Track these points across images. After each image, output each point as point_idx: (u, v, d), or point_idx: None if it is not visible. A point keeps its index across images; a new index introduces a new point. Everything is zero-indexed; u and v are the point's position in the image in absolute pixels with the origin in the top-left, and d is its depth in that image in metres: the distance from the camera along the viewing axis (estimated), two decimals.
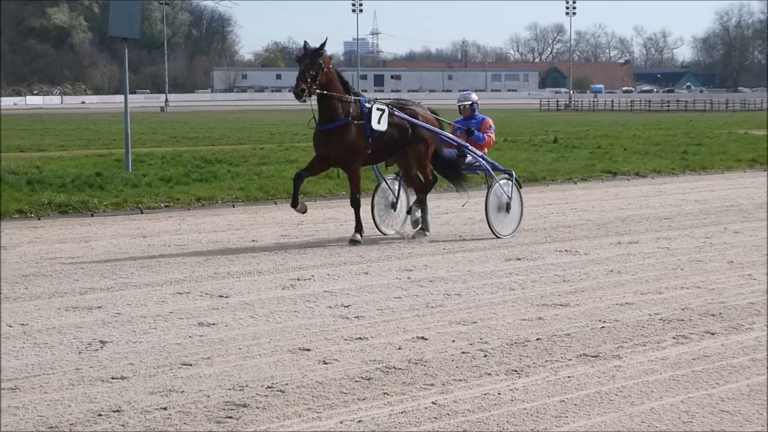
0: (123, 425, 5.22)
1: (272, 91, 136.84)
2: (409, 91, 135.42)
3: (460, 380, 6.05)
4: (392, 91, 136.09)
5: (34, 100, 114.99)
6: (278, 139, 33.94)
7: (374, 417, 5.38)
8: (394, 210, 12.53)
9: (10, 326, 7.37)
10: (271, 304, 8.23)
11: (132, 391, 5.79)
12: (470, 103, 12.88)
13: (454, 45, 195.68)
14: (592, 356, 6.62)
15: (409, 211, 12.31)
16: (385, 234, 12.21)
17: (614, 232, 12.56)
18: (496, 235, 12.01)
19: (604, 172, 20.94)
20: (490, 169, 12.49)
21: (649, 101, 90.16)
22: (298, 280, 9.30)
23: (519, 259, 10.53)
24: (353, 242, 11.51)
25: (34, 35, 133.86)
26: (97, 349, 6.73)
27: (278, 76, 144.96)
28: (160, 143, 31.90)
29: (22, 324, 7.45)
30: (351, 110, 11.56)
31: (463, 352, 6.70)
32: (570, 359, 6.55)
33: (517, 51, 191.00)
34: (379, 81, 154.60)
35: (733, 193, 17.61)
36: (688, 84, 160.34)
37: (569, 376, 6.15)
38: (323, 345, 6.88)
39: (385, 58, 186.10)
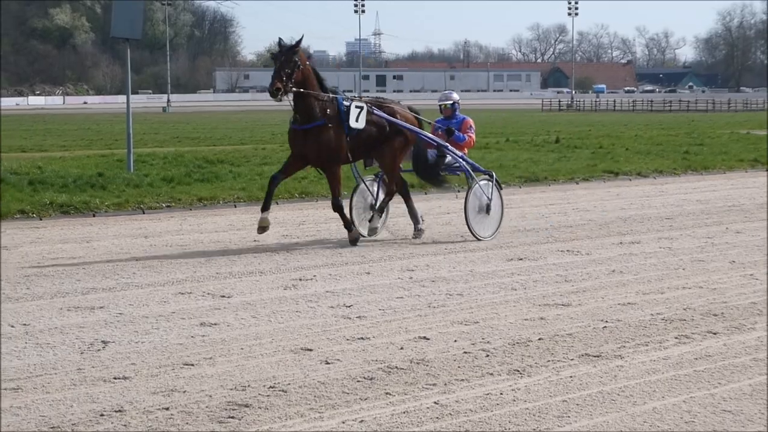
0: (125, 425, 5.22)
1: None
2: (411, 91, 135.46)
3: (462, 380, 6.05)
4: (394, 91, 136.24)
5: (36, 101, 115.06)
6: (280, 140, 33.90)
7: (376, 417, 5.38)
8: (372, 212, 12.14)
9: (13, 326, 7.37)
10: (273, 304, 8.23)
11: (134, 391, 5.79)
12: (451, 102, 12.71)
13: (456, 45, 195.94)
14: (594, 356, 6.62)
15: (370, 220, 11.88)
16: (363, 236, 11.84)
17: (616, 232, 12.56)
18: (476, 237, 11.78)
19: (606, 172, 20.93)
20: (470, 169, 12.28)
21: (651, 101, 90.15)
22: (300, 280, 9.30)
23: (521, 259, 10.52)
24: (353, 241, 11.48)
25: (37, 36, 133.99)
26: (99, 349, 6.73)
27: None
28: (161, 143, 31.93)
29: (24, 324, 7.45)
30: (328, 109, 11.32)
31: (465, 352, 6.70)
32: (572, 359, 6.55)
33: (520, 51, 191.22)
34: (381, 81, 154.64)
35: (735, 193, 17.60)
36: (691, 84, 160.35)
37: (571, 376, 6.14)
38: (325, 345, 6.88)
39: (387, 58, 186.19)
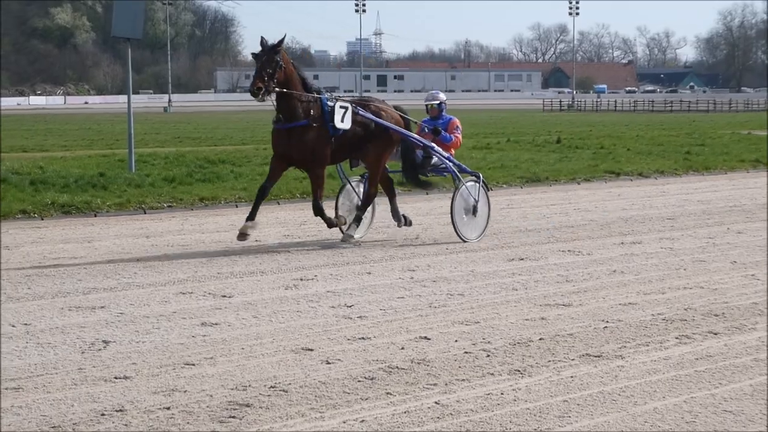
0: (126, 425, 5.23)
1: None
2: (412, 91, 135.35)
3: (463, 380, 6.06)
4: (395, 91, 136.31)
5: (37, 101, 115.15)
6: None
7: (377, 417, 5.38)
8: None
9: (14, 326, 7.38)
10: (274, 304, 8.24)
11: (135, 391, 5.80)
12: (438, 102, 12.58)
13: (457, 45, 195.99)
14: (595, 356, 6.62)
15: (348, 228, 11.72)
16: (344, 231, 11.75)
17: (617, 233, 12.56)
18: (462, 239, 11.65)
19: (607, 173, 20.93)
20: (456, 171, 12.14)
21: (652, 101, 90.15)
22: (301, 280, 9.31)
23: (522, 259, 10.52)
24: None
25: (38, 35, 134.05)
26: (100, 349, 6.73)
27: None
28: (163, 143, 31.93)
29: (26, 324, 7.46)
30: (311, 110, 11.17)
31: (465, 352, 6.70)
32: (573, 359, 6.55)
33: (520, 51, 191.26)
34: (382, 81, 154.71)
35: (736, 193, 17.60)
36: (691, 84, 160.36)
37: (572, 376, 6.15)
38: (326, 345, 6.89)
39: (388, 58, 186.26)
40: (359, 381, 6.03)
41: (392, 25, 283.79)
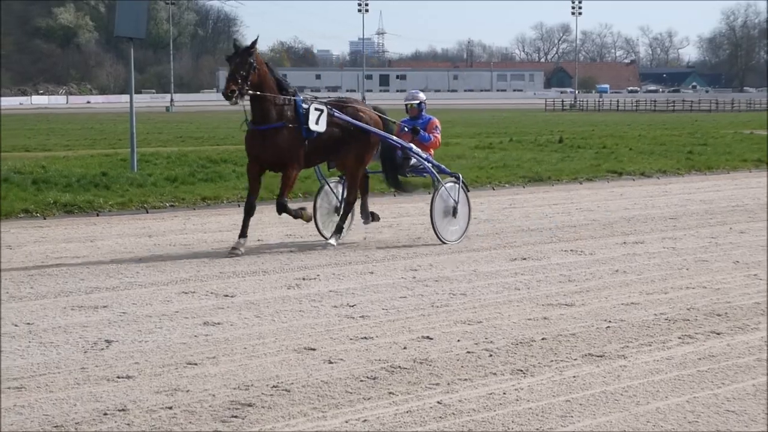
0: (128, 424, 5.23)
1: None
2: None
3: (466, 380, 6.06)
4: (397, 90, 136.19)
5: (39, 100, 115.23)
6: None
7: (379, 416, 5.38)
8: (337, 214, 11.95)
9: (16, 325, 7.38)
10: (276, 303, 8.24)
11: (137, 391, 5.80)
12: (417, 102, 12.45)
13: (459, 45, 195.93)
14: (598, 356, 6.62)
15: (330, 237, 11.53)
16: (327, 239, 11.60)
17: (620, 232, 12.55)
18: (441, 240, 11.51)
19: (609, 172, 20.92)
20: (435, 171, 11.99)
21: (655, 101, 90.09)
22: (304, 279, 9.31)
23: (524, 259, 10.52)
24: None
25: (41, 35, 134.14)
26: (102, 349, 6.74)
27: (284, 76, 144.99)
28: (165, 143, 31.93)
29: (28, 323, 7.46)
30: (286, 112, 11.03)
31: (468, 352, 6.70)
32: (575, 359, 6.55)
33: (523, 51, 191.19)
34: (384, 81, 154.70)
35: (739, 193, 17.59)
36: (694, 84, 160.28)
37: (574, 376, 6.14)
38: (328, 344, 6.89)
39: (390, 57, 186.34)
40: (361, 381, 6.03)
41: (395, 25, 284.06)
